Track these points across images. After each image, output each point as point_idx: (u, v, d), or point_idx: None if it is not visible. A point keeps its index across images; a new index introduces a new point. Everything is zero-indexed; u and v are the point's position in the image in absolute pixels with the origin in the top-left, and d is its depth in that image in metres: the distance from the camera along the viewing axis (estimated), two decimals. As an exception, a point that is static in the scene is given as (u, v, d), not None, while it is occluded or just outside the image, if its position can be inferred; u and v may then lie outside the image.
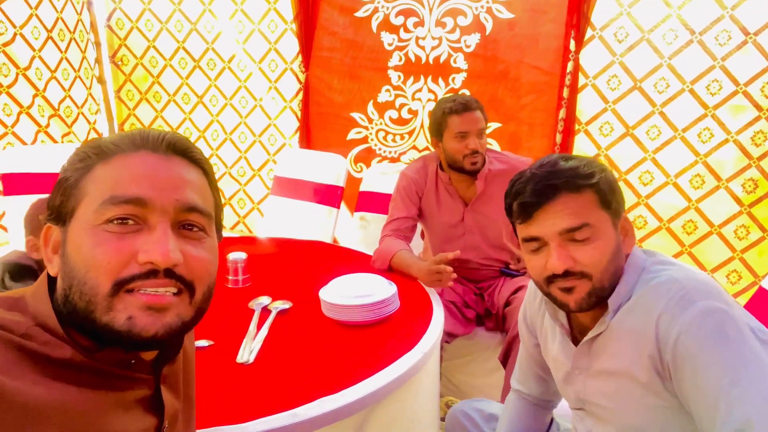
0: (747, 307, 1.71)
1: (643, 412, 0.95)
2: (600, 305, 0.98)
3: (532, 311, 1.23)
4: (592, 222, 0.94)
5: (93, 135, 3.36)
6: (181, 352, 0.75)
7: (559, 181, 0.95)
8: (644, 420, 0.95)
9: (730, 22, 2.55)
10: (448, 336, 1.94)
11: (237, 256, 1.74)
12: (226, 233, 3.18)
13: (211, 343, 1.34)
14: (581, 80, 2.83)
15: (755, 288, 1.86)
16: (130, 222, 0.61)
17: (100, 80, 3.51)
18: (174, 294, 0.62)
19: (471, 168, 1.96)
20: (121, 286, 0.59)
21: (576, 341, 1.06)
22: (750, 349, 0.82)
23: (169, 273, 0.61)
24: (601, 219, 0.95)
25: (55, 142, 3.08)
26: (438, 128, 2.01)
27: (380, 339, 1.42)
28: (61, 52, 3.09)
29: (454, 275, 1.72)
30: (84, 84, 3.30)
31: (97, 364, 0.62)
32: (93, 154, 0.64)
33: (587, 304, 0.96)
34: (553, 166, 0.97)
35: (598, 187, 0.95)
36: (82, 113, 3.28)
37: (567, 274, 0.94)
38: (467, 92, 3.00)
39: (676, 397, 0.90)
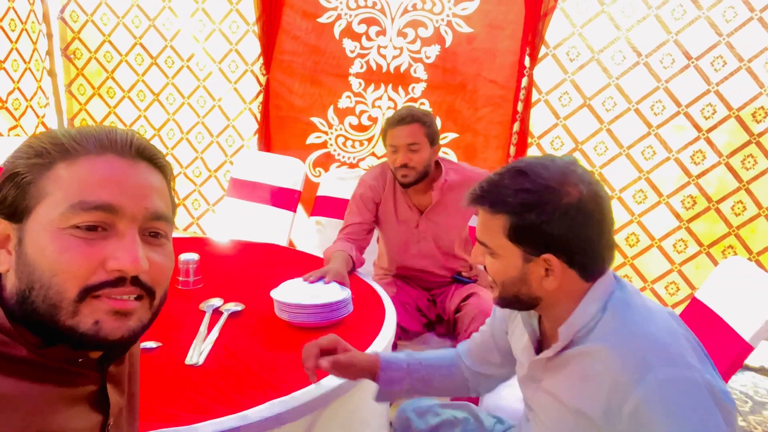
0: (682, 316, 1.81)
1: None
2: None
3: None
4: (493, 247, 0.95)
5: (41, 129, 3.25)
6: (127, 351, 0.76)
7: (485, 195, 0.96)
8: None
9: (674, 47, 2.71)
10: (402, 332, 1.97)
11: (189, 257, 1.72)
12: (178, 234, 3.10)
13: (160, 344, 1.33)
14: (534, 95, 2.94)
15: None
16: (98, 228, 0.61)
17: (51, 73, 3.40)
18: (135, 298, 0.63)
19: (402, 181, 2.00)
20: (88, 293, 0.59)
21: (538, 350, 1.06)
22: (709, 423, 0.81)
23: (135, 280, 0.62)
24: (506, 247, 0.94)
25: (0, 135, 2.97)
26: (383, 139, 2.06)
27: (332, 342, 1.43)
28: (12, 42, 2.99)
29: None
30: (34, 76, 3.19)
31: (46, 361, 0.62)
32: (54, 152, 0.62)
33: (498, 305, 1.04)
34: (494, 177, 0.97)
35: (512, 216, 0.91)
36: (31, 106, 3.18)
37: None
38: (426, 102, 3.06)
39: None
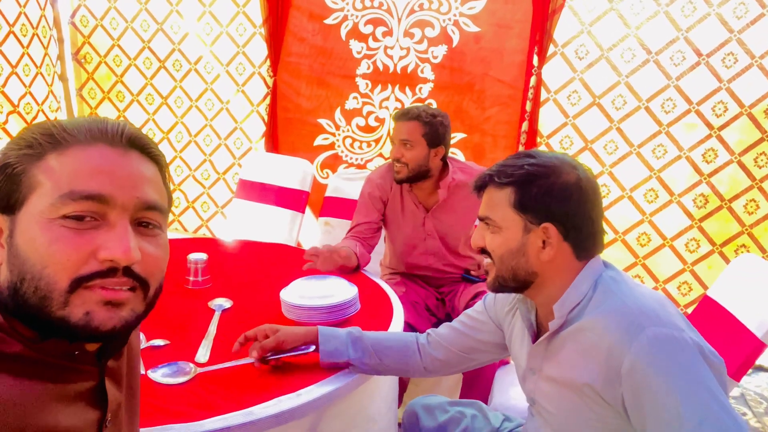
0: (693, 314, 1.79)
1: (579, 423, 0.99)
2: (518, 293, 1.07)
3: (503, 303, 1.23)
4: (497, 219, 1.02)
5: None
6: (125, 345, 0.75)
7: (493, 174, 1.04)
8: (580, 429, 1.00)
9: (685, 44, 2.68)
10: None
11: (197, 257, 1.73)
12: (188, 236, 3.10)
13: (167, 342, 1.33)
14: (543, 95, 2.92)
15: (702, 298, 1.94)
16: (88, 218, 0.60)
17: (62, 77, 3.44)
18: (128, 289, 0.62)
19: (394, 175, 2.04)
20: (79, 283, 0.59)
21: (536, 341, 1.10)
22: (700, 375, 0.85)
23: (127, 271, 0.61)
24: (509, 219, 1.01)
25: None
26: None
27: (339, 341, 1.42)
28: (23, 47, 3.02)
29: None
30: (45, 81, 3.23)
31: (42, 356, 0.61)
32: (44, 142, 0.61)
33: (492, 287, 1.08)
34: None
35: (518, 187, 1.00)
36: (42, 110, 3.21)
37: (482, 251, 1.07)
38: (434, 102, 3.06)
39: (613, 417, 0.94)
